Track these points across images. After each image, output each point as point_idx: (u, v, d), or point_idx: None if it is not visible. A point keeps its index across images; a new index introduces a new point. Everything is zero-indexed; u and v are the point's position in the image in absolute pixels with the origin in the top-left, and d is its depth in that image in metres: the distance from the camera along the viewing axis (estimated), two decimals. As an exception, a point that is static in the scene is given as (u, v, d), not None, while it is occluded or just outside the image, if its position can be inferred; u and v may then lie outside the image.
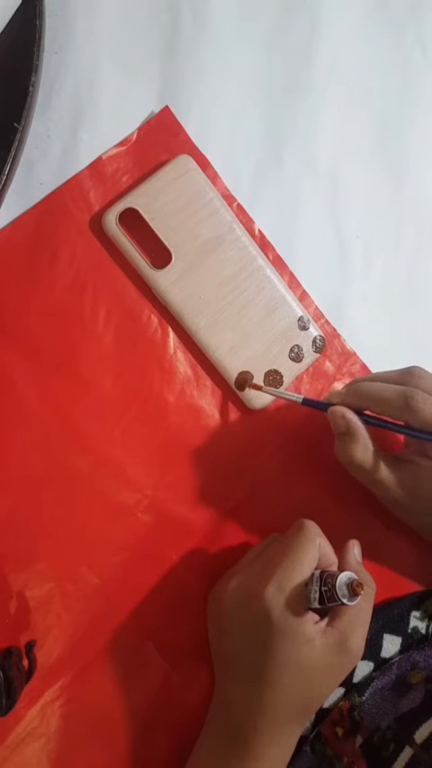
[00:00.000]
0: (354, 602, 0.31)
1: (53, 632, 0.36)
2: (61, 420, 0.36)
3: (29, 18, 0.35)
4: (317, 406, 0.36)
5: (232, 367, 0.38)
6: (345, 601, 0.31)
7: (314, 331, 0.39)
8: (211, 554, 0.38)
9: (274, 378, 0.38)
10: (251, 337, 0.38)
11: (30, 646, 0.35)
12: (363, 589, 0.31)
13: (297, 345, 0.39)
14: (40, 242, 0.36)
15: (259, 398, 0.38)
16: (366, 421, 0.35)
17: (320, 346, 0.40)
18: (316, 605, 0.31)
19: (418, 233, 0.42)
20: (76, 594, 0.36)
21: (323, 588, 0.31)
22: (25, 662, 0.34)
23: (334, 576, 0.31)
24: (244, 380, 0.38)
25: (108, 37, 0.37)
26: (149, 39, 0.38)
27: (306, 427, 0.40)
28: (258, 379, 0.38)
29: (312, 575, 0.32)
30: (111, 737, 0.37)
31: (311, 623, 0.32)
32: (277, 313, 0.39)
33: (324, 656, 0.32)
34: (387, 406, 0.34)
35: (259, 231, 0.39)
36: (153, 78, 0.38)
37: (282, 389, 0.39)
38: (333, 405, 0.35)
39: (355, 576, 0.31)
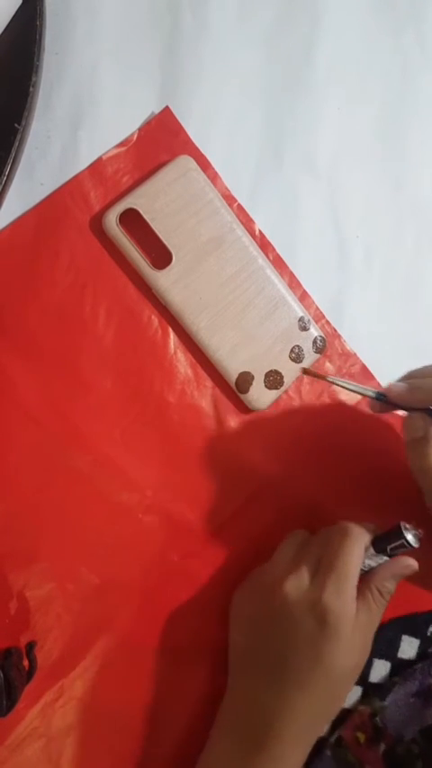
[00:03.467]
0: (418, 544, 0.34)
1: (53, 633, 0.36)
2: (61, 420, 0.36)
3: (29, 18, 0.35)
4: (386, 403, 0.35)
5: (233, 367, 0.38)
6: (414, 544, 0.34)
7: (314, 331, 0.39)
8: (212, 554, 0.38)
9: (274, 378, 0.38)
10: (252, 338, 0.38)
11: (30, 646, 0.35)
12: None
13: (297, 346, 0.39)
14: (41, 242, 0.36)
15: (260, 399, 0.38)
16: None
17: (321, 347, 0.40)
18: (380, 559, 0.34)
19: (418, 233, 0.42)
20: (77, 595, 0.36)
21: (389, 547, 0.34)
22: (25, 662, 0.34)
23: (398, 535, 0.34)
24: (245, 381, 0.38)
25: (108, 37, 0.37)
26: (149, 39, 0.38)
27: (307, 428, 0.40)
28: (259, 380, 0.38)
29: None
30: (111, 738, 0.37)
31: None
32: (278, 313, 0.39)
33: (355, 657, 0.33)
34: None
35: (259, 231, 0.39)
36: (153, 78, 0.38)
37: (282, 390, 0.39)
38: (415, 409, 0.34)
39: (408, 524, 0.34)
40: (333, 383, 0.36)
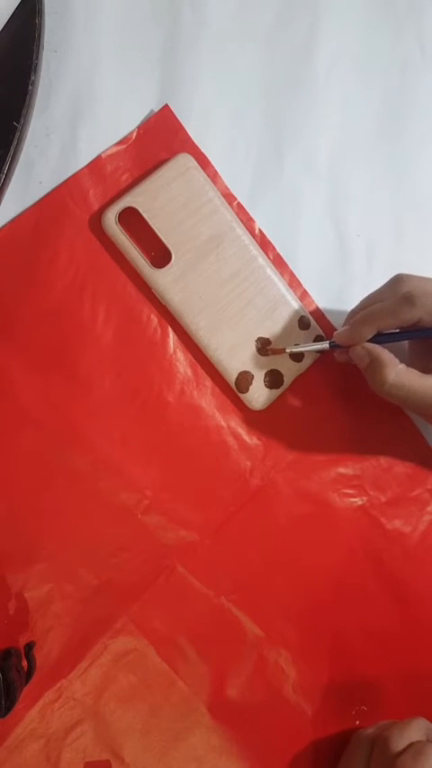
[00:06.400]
0: None
1: (52, 633, 0.36)
2: (60, 420, 0.36)
3: (28, 16, 0.34)
4: (335, 348, 0.37)
5: (232, 367, 0.38)
6: None
7: (315, 331, 0.39)
8: (212, 555, 0.38)
9: (274, 378, 0.38)
10: (252, 337, 0.38)
11: (29, 647, 0.34)
12: None
13: (297, 345, 0.39)
14: (40, 241, 0.36)
15: (260, 399, 0.38)
16: (380, 343, 0.35)
17: (321, 346, 0.39)
18: None
19: (418, 232, 0.42)
20: (76, 595, 0.36)
21: None
22: (24, 663, 0.34)
23: None
24: (245, 381, 0.38)
25: (108, 35, 0.37)
26: (149, 37, 0.38)
27: (307, 427, 0.40)
28: (259, 380, 0.38)
29: None
30: (111, 738, 0.36)
31: None
32: (278, 312, 0.39)
33: None
34: (391, 316, 0.34)
35: (259, 230, 0.39)
36: (153, 77, 0.38)
37: (282, 389, 0.38)
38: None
39: None
40: (291, 352, 0.38)
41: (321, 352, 0.38)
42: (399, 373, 0.34)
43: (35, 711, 0.35)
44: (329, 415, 0.40)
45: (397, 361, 0.35)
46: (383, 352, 0.35)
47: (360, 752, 0.36)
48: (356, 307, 0.38)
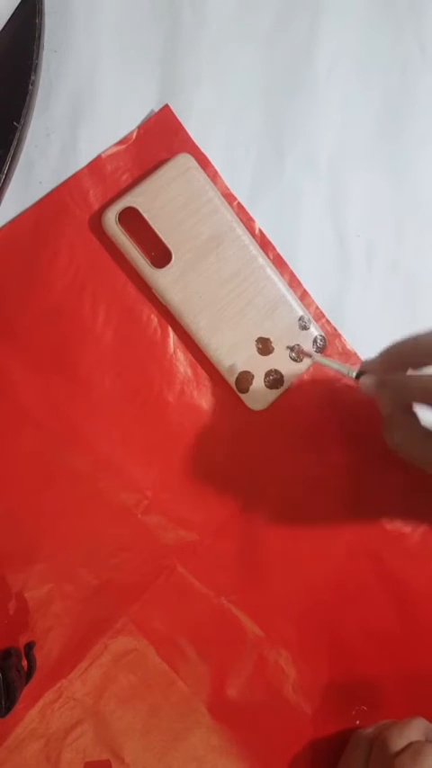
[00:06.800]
0: None
1: (52, 633, 0.36)
2: (60, 420, 0.36)
3: (28, 16, 0.34)
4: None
5: (232, 367, 0.38)
6: None
7: (315, 331, 0.39)
8: (212, 555, 0.38)
9: (274, 378, 0.38)
10: (252, 337, 0.38)
11: (29, 646, 0.34)
12: None
13: (297, 345, 0.39)
14: (40, 241, 0.36)
15: (260, 399, 0.38)
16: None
17: (321, 346, 0.39)
18: None
19: (418, 232, 0.42)
20: (76, 595, 0.36)
21: None
22: (24, 663, 0.34)
23: None
24: (245, 380, 0.38)
25: (108, 35, 0.37)
26: (149, 37, 0.38)
27: (308, 428, 0.40)
28: (259, 380, 0.38)
29: None
30: (111, 738, 0.36)
31: None
32: (278, 312, 0.39)
33: None
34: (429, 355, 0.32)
35: (259, 230, 0.39)
36: (153, 77, 0.38)
37: (282, 389, 0.39)
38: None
39: None
40: (319, 362, 0.37)
41: (346, 376, 0.36)
42: (405, 437, 0.34)
43: (35, 711, 0.35)
44: (329, 416, 0.40)
45: (413, 418, 0.34)
46: (397, 411, 0.34)
47: (359, 751, 0.36)
48: (395, 348, 0.35)
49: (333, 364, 0.37)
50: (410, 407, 0.34)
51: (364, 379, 0.35)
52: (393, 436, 0.34)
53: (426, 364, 0.32)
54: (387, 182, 0.42)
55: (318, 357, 0.37)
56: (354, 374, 0.35)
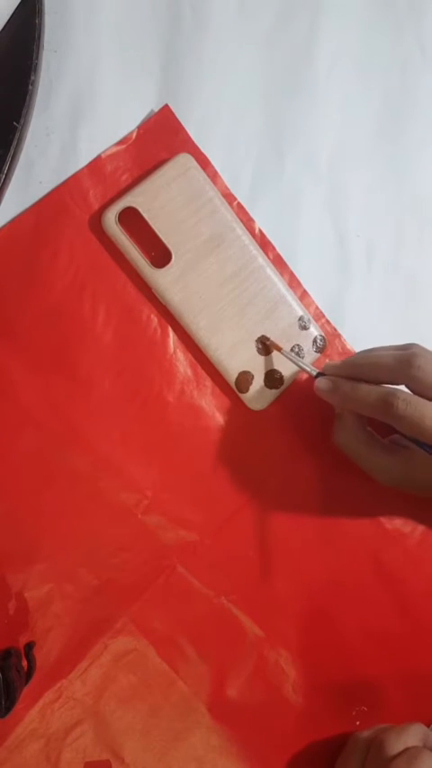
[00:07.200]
0: None
1: (52, 633, 0.36)
2: (60, 420, 0.36)
3: (28, 16, 0.34)
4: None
5: (232, 367, 0.38)
6: None
7: (315, 331, 0.39)
8: (212, 555, 0.38)
9: (274, 378, 0.38)
10: (252, 337, 0.38)
11: (29, 647, 0.34)
12: None
13: (297, 345, 0.39)
14: (39, 241, 0.36)
15: (260, 399, 0.38)
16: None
17: (321, 346, 0.39)
18: None
19: (419, 232, 0.42)
20: (76, 595, 0.36)
21: None
22: (24, 663, 0.34)
23: None
24: (245, 381, 0.38)
25: (108, 35, 0.37)
26: (149, 37, 0.38)
27: (307, 428, 0.40)
28: (259, 380, 0.38)
29: None
30: (111, 738, 0.36)
31: None
32: (278, 312, 0.39)
33: None
34: (384, 371, 0.34)
35: (259, 230, 0.39)
36: (153, 77, 0.38)
37: (282, 389, 0.39)
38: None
39: None
40: (287, 355, 0.38)
41: (305, 371, 0.37)
42: (349, 439, 0.36)
43: (35, 711, 0.35)
44: (329, 416, 0.40)
45: (360, 422, 0.36)
46: (347, 413, 0.36)
47: (356, 754, 0.36)
48: (362, 352, 0.37)
49: (298, 361, 0.37)
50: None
51: (319, 381, 0.36)
52: (339, 436, 0.37)
53: (373, 379, 0.34)
54: (387, 182, 0.42)
55: (286, 352, 0.38)
56: (315, 373, 0.37)
